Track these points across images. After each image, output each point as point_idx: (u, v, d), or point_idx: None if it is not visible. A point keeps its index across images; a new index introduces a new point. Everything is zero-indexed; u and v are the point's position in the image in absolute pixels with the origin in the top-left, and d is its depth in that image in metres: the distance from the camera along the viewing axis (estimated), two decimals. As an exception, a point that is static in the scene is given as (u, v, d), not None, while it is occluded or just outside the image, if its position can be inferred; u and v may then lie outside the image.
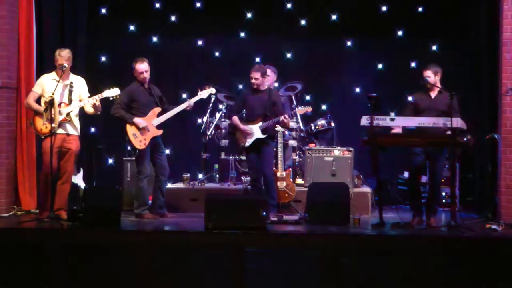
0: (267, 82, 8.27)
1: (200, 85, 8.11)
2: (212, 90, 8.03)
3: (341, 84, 9.96)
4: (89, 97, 7.57)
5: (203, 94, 7.93)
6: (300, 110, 8.26)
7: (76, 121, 7.59)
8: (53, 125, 7.29)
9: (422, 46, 9.61)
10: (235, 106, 8.24)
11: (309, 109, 8.18)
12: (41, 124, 7.40)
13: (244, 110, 8.18)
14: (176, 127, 9.82)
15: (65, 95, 7.49)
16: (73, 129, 7.55)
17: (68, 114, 7.45)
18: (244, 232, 6.61)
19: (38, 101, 7.52)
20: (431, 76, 7.36)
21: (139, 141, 7.63)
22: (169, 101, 8.10)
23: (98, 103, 7.49)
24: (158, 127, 7.76)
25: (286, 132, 8.75)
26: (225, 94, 9.29)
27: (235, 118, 8.00)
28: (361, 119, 7.15)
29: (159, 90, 7.92)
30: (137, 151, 7.65)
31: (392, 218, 7.69)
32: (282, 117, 7.71)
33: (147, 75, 7.71)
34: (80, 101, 7.54)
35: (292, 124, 8.84)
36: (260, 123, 7.81)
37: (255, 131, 7.82)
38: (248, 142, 7.85)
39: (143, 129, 7.63)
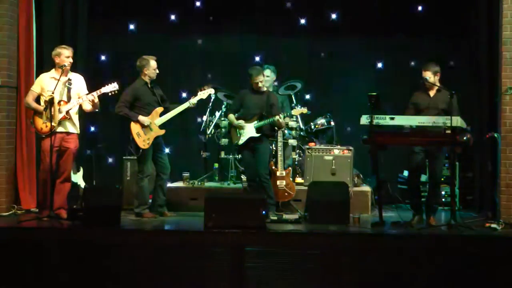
0: (267, 83, 8.28)
1: (200, 84, 8.10)
2: (211, 91, 8.03)
3: (341, 83, 9.96)
4: (87, 94, 7.58)
5: (202, 94, 7.94)
6: (296, 111, 8.27)
7: (76, 119, 7.59)
8: (53, 124, 7.29)
9: (422, 45, 9.61)
10: (233, 105, 8.25)
11: (304, 110, 8.18)
12: (41, 123, 7.40)
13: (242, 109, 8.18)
14: (176, 126, 9.83)
15: (64, 93, 7.49)
16: (73, 128, 7.55)
17: (67, 112, 7.45)
18: (243, 231, 6.62)
19: (37, 100, 7.52)
20: (431, 76, 7.37)
21: (143, 141, 7.64)
22: (169, 100, 8.10)
23: (96, 99, 7.49)
24: (161, 126, 7.77)
25: (286, 131, 8.76)
26: (225, 93, 9.30)
27: (231, 116, 8.02)
28: (361, 118, 7.15)
29: (160, 90, 7.93)
30: (141, 150, 7.65)
31: (392, 217, 7.69)
32: (277, 117, 7.71)
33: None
34: (78, 98, 7.54)
35: (292, 123, 8.85)
36: (255, 122, 7.82)
37: (249, 129, 7.83)
38: (242, 140, 7.86)
39: (147, 129, 7.64)
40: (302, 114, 8.77)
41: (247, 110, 7.96)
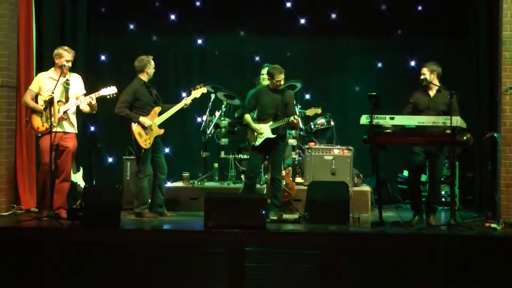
0: (265, 81, 8.25)
1: (199, 84, 8.10)
2: (204, 90, 8.01)
3: (341, 83, 9.97)
4: (85, 94, 7.58)
5: (196, 93, 7.94)
6: (310, 111, 8.21)
7: (74, 119, 7.59)
8: (49, 123, 7.28)
9: (422, 45, 9.61)
10: (248, 104, 8.10)
11: (318, 110, 8.14)
12: (38, 122, 7.40)
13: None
14: (176, 126, 9.84)
15: (62, 93, 7.49)
16: (70, 127, 7.55)
17: (65, 112, 7.45)
18: (243, 231, 6.62)
19: (35, 99, 7.52)
20: (427, 73, 7.35)
21: (144, 141, 7.64)
22: (169, 100, 8.10)
23: (94, 101, 7.49)
24: (160, 126, 7.78)
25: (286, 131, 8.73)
26: (225, 93, 9.30)
27: (248, 117, 7.90)
28: (360, 118, 7.15)
29: (155, 89, 7.93)
30: (142, 150, 7.65)
31: (392, 217, 7.70)
32: (291, 118, 7.60)
33: None
34: (77, 98, 7.55)
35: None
36: (271, 123, 7.73)
37: (266, 130, 7.76)
38: (258, 141, 7.75)
39: (148, 129, 7.65)
40: (303, 114, 8.76)
41: (263, 110, 7.82)
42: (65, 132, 7.51)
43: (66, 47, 7.55)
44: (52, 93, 7.35)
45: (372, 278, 6.48)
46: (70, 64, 7.50)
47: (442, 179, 7.93)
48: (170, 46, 10.05)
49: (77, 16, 9.10)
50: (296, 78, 9.20)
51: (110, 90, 7.56)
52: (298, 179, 8.78)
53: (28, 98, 7.50)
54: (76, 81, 7.65)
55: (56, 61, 7.49)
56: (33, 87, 7.54)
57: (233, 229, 6.63)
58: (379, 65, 9.89)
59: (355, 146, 8.58)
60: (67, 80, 7.53)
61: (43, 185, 7.44)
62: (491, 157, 8.09)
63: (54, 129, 7.34)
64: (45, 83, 7.48)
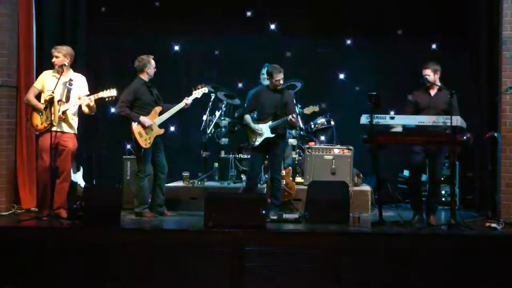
0: (265, 81, 8.24)
1: (200, 83, 8.10)
2: (205, 89, 8.02)
3: (341, 83, 9.97)
4: (87, 95, 7.58)
5: (197, 93, 7.94)
6: (308, 109, 8.21)
7: (74, 119, 7.57)
8: (49, 123, 7.27)
9: (422, 45, 9.61)
10: (248, 105, 8.13)
11: (316, 108, 8.14)
12: (38, 120, 7.41)
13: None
14: (176, 126, 9.85)
15: (64, 93, 7.48)
16: (68, 127, 7.52)
17: (64, 112, 7.42)
18: (243, 230, 6.62)
19: (38, 97, 7.52)
20: (431, 74, 7.36)
21: (145, 140, 7.64)
22: (170, 100, 8.10)
23: (92, 103, 7.46)
24: (160, 126, 7.78)
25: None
26: (225, 93, 9.30)
27: (248, 117, 7.91)
28: (360, 118, 7.15)
29: (156, 89, 7.93)
30: (142, 150, 7.65)
31: (392, 217, 7.70)
32: (290, 116, 7.60)
33: None
34: (79, 99, 7.54)
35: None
36: (270, 122, 7.74)
37: (265, 130, 7.76)
38: (258, 141, 7.76)
39: (148, 128, 7.65)
40: (302, 113, 8.79)
41: (262, 110, 7.83)
42: (62, 132, 7.48)
43: (57, 46, 7.57)
44: (52, 92, 7.35)
45: (372, 278, 6.48)
46: (57, 60, 7.45)
47: (442, 179, 7.93)
48: (170, 46, 10.05)
49: (77, 16, 9.10)
50: (296, 78, 9.20)
51: (109, 93, 7.51)
52: (298, 179, 8.78)
53: (31, 96, 7.50)
54: (80, 82, 7.63)
55: (53, 61, 7.50)
56: (37, 84, 7.55)
57: (233, 229, 6.63)
58: (380, 65, 9.87)
59: (355, 146, 8.58)
60: (70, 80, 7.52)
61: (44, 185, 7.44)
62: (491, 156, 8.09)
63: (51, 128, 7.33)
64: (48, 81, 7.48)
